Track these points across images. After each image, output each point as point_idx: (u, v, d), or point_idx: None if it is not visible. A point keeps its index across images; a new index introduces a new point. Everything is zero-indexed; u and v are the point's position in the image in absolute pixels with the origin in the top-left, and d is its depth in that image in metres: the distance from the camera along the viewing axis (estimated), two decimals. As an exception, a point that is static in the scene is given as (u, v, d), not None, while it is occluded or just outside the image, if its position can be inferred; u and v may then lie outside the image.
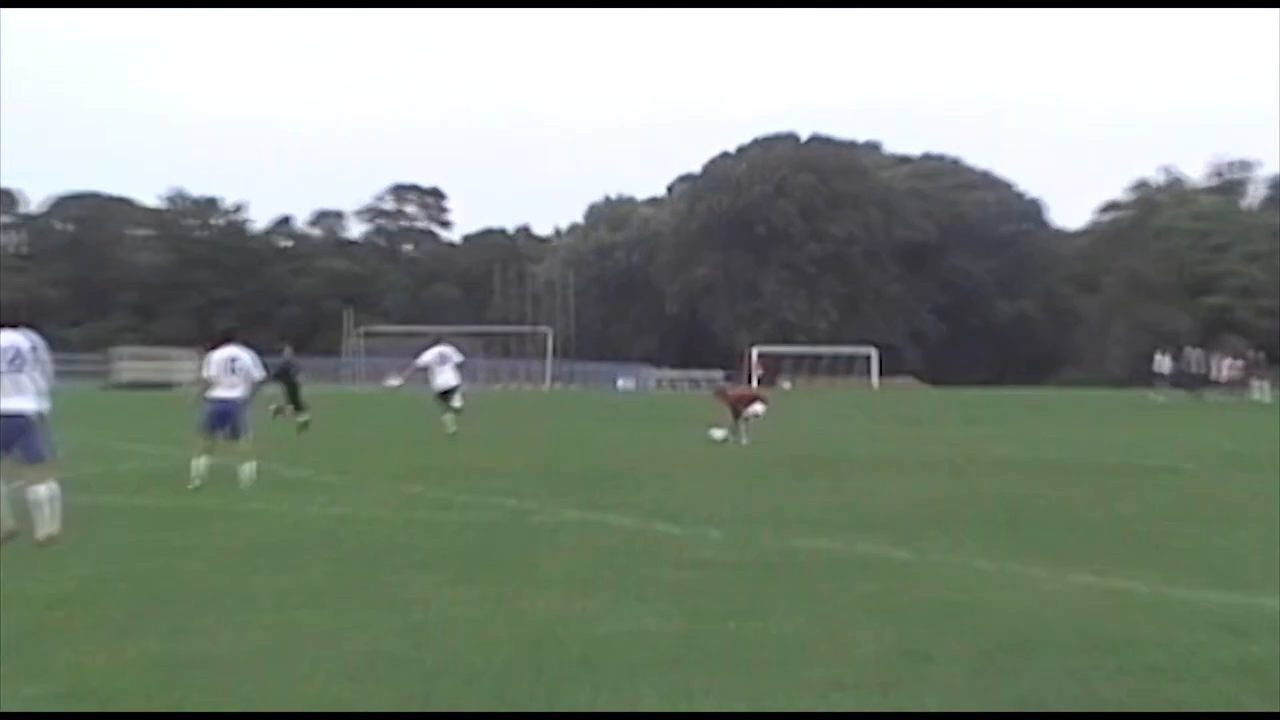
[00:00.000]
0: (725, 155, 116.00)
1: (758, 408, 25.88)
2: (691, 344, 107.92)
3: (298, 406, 30.17)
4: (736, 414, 25.58)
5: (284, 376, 30.10)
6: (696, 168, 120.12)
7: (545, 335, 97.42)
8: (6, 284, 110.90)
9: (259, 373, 17.52)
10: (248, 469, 16.21)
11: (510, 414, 39.40)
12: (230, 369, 17.05)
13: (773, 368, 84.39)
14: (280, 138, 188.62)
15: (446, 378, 27.62)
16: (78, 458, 17.84)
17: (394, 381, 69.12)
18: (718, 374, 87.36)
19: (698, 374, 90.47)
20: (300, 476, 17.69)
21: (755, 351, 59.73)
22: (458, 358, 28.05)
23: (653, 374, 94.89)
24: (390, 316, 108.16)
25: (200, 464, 16.39)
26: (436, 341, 28.97)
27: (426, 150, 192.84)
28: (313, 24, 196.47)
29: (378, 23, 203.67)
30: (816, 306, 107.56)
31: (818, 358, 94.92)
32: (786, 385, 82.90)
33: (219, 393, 16.91)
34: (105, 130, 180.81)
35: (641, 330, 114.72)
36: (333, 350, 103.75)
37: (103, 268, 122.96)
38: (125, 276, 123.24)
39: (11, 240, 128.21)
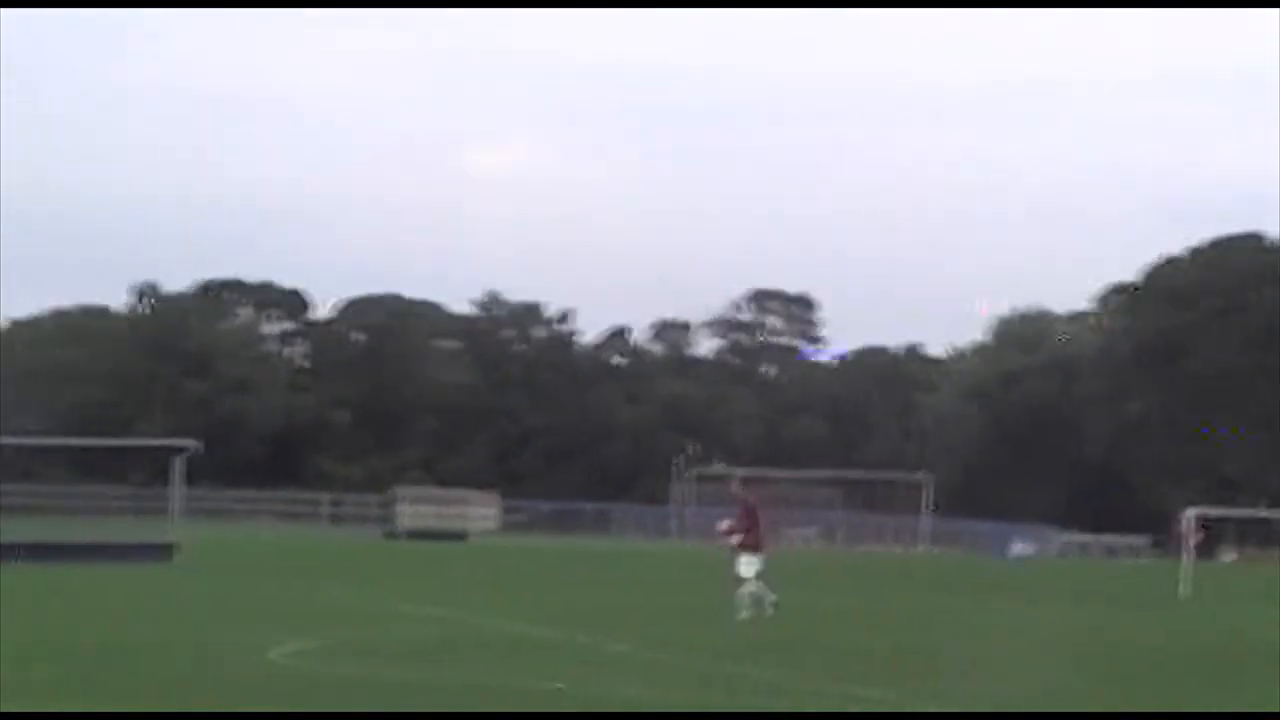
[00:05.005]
0: (1172, 261, 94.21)
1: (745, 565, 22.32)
2: (1109, 500, 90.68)
3: None
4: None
5: None
6: (1135, 274, 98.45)
7: (921, 485, 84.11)
8: (287, 405, 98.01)
9: None
10: None
11: (870, 581, 37.38)
12: None
13: (1213, 534, 69.02)
14: (616, 230, 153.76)
15: None
16: (345, 619, 19.44)
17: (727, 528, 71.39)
18: (1139, 539, 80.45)
19: (1112, 539, 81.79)
20: (617, 651, 17.36)
21: (1192, 514, 47.10)
22: None
23: (1057, 537, 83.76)
24: (739, 456, 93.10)
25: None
26: None
27: (793, 251, 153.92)
28: (659, 105, 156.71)
29: (731, 101, 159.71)
30: (1275, 460, 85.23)
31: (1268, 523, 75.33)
32: (1231, 558, 74.20)
33: None
34: (409, 220, 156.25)
35: (1046, 480, 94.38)
36: (660, 498, 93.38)
37: (398, 387, 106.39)
38: (424, 398, 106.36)
39: (296, 351, 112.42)
